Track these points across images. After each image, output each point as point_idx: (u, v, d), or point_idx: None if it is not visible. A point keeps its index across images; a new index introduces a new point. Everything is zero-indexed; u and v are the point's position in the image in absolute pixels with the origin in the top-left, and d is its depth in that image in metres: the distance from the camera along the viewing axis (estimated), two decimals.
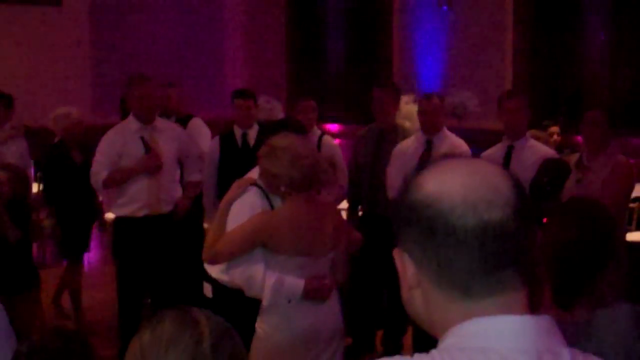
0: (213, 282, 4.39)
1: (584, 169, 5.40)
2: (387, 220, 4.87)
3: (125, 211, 6.19)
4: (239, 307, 4.03)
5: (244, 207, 4.06)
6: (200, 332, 1.88)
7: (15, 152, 7.05)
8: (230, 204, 4.10)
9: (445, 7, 11.07)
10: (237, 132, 6.81)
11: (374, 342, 6.54)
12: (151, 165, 6.06)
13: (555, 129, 8.14)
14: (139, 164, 6.07)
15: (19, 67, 11.22)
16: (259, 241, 3.89)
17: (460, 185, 1.34)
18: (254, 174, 4.24)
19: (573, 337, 1.55)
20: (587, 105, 8.69)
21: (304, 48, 13.08)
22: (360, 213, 6.72)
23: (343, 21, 12.73)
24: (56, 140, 7.31)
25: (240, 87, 9.07)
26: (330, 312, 4.05)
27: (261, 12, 13.19)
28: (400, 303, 1.46)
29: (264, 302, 3.90)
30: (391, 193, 5.97)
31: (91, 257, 9.83)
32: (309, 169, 3.89)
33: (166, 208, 6.21)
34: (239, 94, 6.96)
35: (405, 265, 1.39)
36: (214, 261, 4.11)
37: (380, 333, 6.55)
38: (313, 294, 3.91)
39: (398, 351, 6.05)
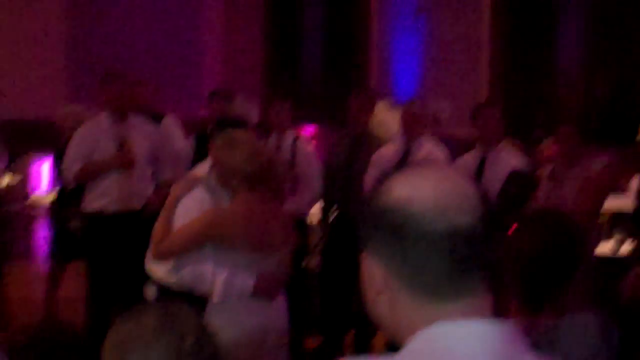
0: (157, 284, 4.31)
1: (555, 181, 5.46)
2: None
3: (95, 206, 6.16)
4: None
5: (194, 204, 4.03)
6: (183, 328, 1.88)
7: None
8: (177, 200, 4.06)
9: (423, 15, 11.11)
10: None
11: (343, 343, 6.56)
12: (124, 161, 6.04)
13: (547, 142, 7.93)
14: (112, 159, 6.05)
15: None
16: (210, 237, 3.87)
17: (430, 190, 1.36)
18: (201, 170, 4.23)
19: (538, 343, 1.58)
20: (562, 117, 8.76)
21: (281, 50, 13.07)
22: (335, 214, 6.73)
23: (321, 24, 12.73)
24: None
25: (217, 87, 9.06)
26: (278, 312, 4.04)
27: (239, 12, 13.16)
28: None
29: (215, 298, 3.86)
30: None
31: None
32: (264, 166, 3.89)
33: (137, 204, 6.19)
34: (217, 94, 6.96)
35: (373, 269, 1.39)
36: (162, 258, 4.05)
37: (351, 334, 6.57)
38: (263, 291, 3.89)
39: (368, 353, 6.07)
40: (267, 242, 3.92)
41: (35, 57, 11.52)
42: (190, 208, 4.01)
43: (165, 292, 4.18)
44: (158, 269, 4.19)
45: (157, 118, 7.45)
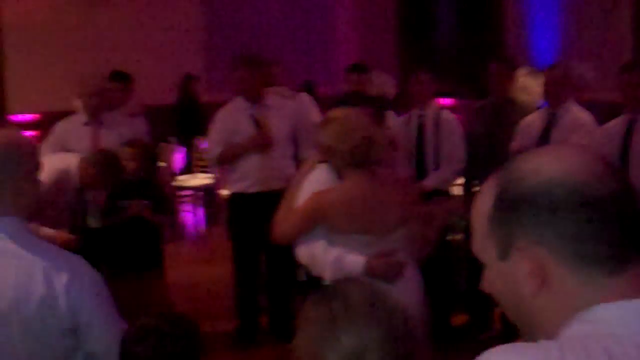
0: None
1: None
2: None
3: (238, 187, 6.27)
4: None
5: (312, 185, 3.96)
6: (389, 305, 1.85)
7: (136, 131, 7.15)
8: (299, 182, 4.03)
9: None
10: None
11: (491, 320, 6.41)
12: (262, 142, 6.08)
13: None
14: (249, 141, 6.11)
15: (133, 47, 11.40)
16: (316, 219, 3.80)
17: (581, 162, 1.31)
18: None
19: None
20: None
21: (415, 22, 12.92)
22: (477, 189, 6.59)
23: None
24: None
25: (351, 62, 9.01)
26: (405, 292, 3.78)
27: None
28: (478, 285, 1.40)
29: (326, 280, 3.77)
30: None
31: (206, 232, 10.02)
32: (358, 143, 3.74)
33: (279, 184, 6.22)
34: (354, 68, 6.91)
35: (531, 255, 1.30)
36: (281, 239, 4.02)
37: (498, 311, 6.43)
38: (376, 271, 3.73)
39: (517, 331, 5.92)
40: (379, 222, 3.78)
41: (173, 44, 11.77)
42: (308, 189, 3.95)
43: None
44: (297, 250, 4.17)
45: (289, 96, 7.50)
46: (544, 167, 1.31)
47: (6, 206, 2.43)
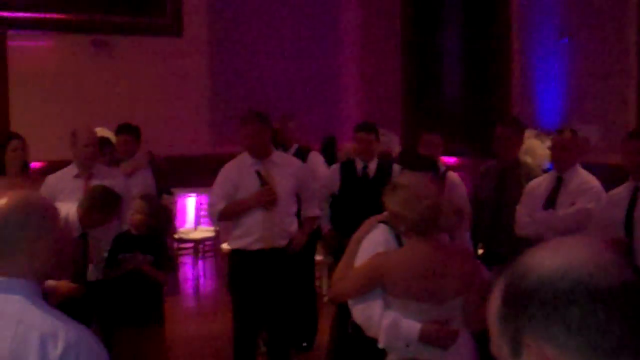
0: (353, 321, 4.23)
1: None
2: (507, 259, 4.66)
3: (241, 244, 6.20)
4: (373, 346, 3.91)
5: (370, 245, 3.95)
6: None
7: (142, 182, 7.12)
8: (359, 241, 4.01)
9: (566, 39, 10.82)
10: (359, 163, 6.90)
11: None
12: (265, 199, 6.05)
13: None
14: (253, 198, 6.07)
15: (139, 97, 11.45)
16: (374, 282, 3.78)
17: (585, 254, 1.29)
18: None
19: None
20: None
21: (421, 80, 12.97)
22: (480, 252, 6.54)
23: (461, 54, 12.58)
24: None
25: (357, 119, 9.04)
26: (462, 357, 3.87)
27: (378, 44, 13.17)
28: None
29: (380, 344, 3.77)
30: (519, 230, 5.82)
31: (206, 286, 9.94)
32: (427, 211, 3.73)
33: (281, 242, 6.19)
34: (362, 127, 6.95)
35: (540, 353, 1.26)
36: (337, 298, 4.03)
37: None
38: (431, 338, 3.74)
39: None
40: (438, 291, 3.75)
41: (179, 98, 11.82)
42: (367, 250, 3.94)
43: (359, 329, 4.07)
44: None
45: (303, 152, 7.49)
46: (547, 261, 1.29)
47: (20, 267, 2.39)
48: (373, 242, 3.97)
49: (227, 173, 6.27)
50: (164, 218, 6.09)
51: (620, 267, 1.27)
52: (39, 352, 2.29)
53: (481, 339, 4.17)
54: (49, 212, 2.50)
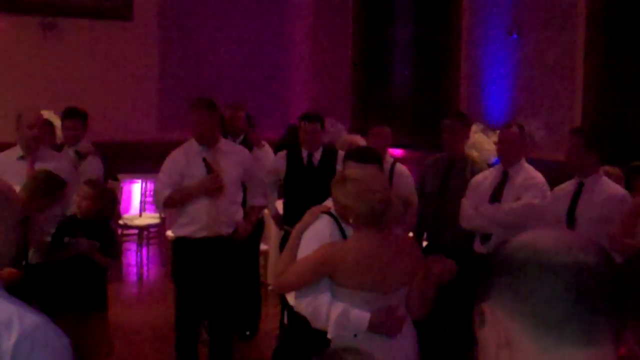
0: (289, 308, 4.24)
1: None
2: (452, 252, 4.70)
3: (185, 231, 6.15)
4: (312, 337, 3.91)
5: (315, 236, 3.95)
6: None
7: (94, 168, 7.01)
8: (302, 231, 4.01)
9: (515, 35, 10.91)
10: (304, 152, 6.90)
11: None
12: (212, 187, 6.01)
13: None
14: (199, 185, 6.02)
15: (87, 81, 11.30)
16: (323, 273, 3.79)
17: (551, 235, 1.35)
18: (330, 202, 4.11)
19: None
20: None
21: (371, 73, 13.00)
22: (424, 243, 6.58)
23: (411, 47, 12.63)
24: None
25: (306, 109, 9.03)
26: (403, 348, 3.90)
27: (329, 35, 13.16)
28: (461, 338, 1.42)
29: (329, 335, 3.79)
30: (464, 223, 5.86)
31: (150, 274, 9.87)
32: (377, 204, 3.75)
33: (226, 230, 6.15)
34: (307, 117, 6.94)
35: (496, 321, 1.33)
36: (282, 290, 4.02)
37: None
38: (380, 327, 3.78)
39: None
40: (386, 280, 3.79)
41: (128, 83, 11.69)
42: (312, 240, 3.94)
43: (296, 318, 4.07)
44: (290, 295, 4.15)
45: (250, 142, 7.46)
46: (518, 238, 1.36)
47: None
48: (317, 233, 3.96)
49: (173, 160, 6.20)
50: (109, 203, 6.00)
51: (584, 252, 1.30)
52: None
53: (423, 328, 4.21)
54: (9, 196, 2.42)
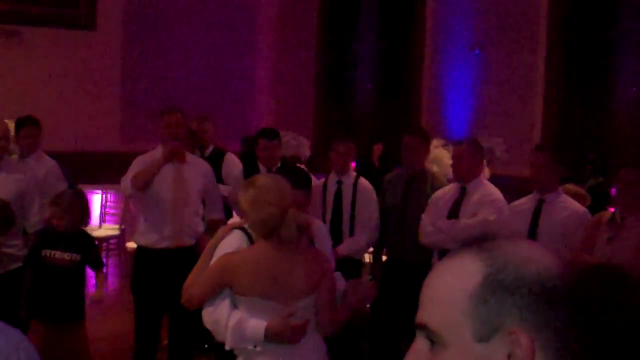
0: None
1: (616, 227, 5.23)
2: (411, 266, 4.72)
3: (148, 240, 6.11)
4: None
5: (225, 249, 3.91)
6: None
7: (50, 174, 6.98)
8: (214, 247, 3.97)
9: (477, 51, 11.02)
10: (262, 168, 6.83)
11: None
12: (174, 149, 5.97)
13: None
14: (162, 152, 6.00)
15: (49, 90, 11.23)
16: (222, 283, 3.76)
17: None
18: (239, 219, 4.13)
19: None
20: (617, 161, 8.57)
21: (333, 87, 13.06)
22: (384, 257, 6.62)
23: (373, 61, 12.71)
24: None
25: (269, 122, 9.04)
26: (313, 357, 3.88)
27: (292, 48, 13.20)
28: None
29: (227, 346, 3.74)
30: (423, 239, 5.88)
31: (109, 285, 9.79)
32: (268, 217, 3.71)
33: (189, 241, 6.14)
34: (266, 134, 6.90)
35: (523, 344, 1.25)
36: (190, 304, 3.96)
37: None
38: (277, 336, 3.71)
39: None
40: (284, 289, 3.74)
41: (90, 92, 11.64)
42: (222, 253, 3.91)
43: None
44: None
45: (219, 153, 7.45)
46: (536, 258, 1.30)
47: None
48: (226, 246, 3.93)
49: (140, 161, 6.15)
50: (78, 214, 5.93)
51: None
52: None
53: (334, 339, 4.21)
54: None
